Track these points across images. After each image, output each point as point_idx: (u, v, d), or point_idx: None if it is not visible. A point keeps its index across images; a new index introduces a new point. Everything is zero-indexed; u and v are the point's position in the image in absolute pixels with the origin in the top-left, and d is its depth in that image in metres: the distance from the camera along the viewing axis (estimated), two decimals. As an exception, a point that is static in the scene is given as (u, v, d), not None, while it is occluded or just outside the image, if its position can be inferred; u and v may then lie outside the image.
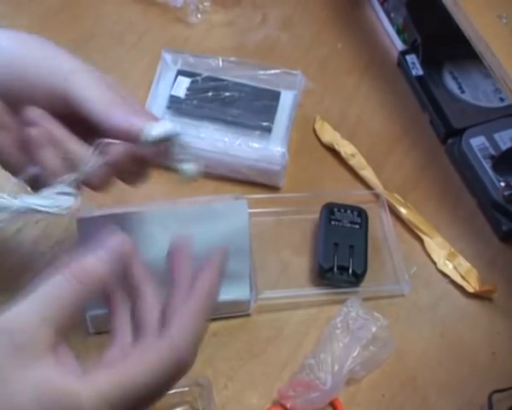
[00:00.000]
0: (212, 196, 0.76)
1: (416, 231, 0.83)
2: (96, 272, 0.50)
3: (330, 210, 0.81)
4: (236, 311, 0.76)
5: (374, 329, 0.74)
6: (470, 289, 0.79)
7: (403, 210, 0.84)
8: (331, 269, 0.77)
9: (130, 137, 0.58)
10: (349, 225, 0.80)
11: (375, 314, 0.75)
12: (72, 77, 0.60)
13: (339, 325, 0.74)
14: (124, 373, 0.49)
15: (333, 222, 0.80)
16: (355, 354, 0.73)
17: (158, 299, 0.54)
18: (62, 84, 0.59)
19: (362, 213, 0.81)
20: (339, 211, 0.81)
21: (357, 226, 0.80)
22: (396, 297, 0.79)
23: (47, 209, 0.55)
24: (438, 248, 0.82)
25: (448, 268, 0.81)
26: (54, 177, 0.56)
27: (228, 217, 0.73)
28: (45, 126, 0.57)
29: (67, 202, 0.56)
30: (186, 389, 0.70)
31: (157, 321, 0.53)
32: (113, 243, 0.52)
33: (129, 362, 0.50)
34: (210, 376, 0.71)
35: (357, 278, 0.78)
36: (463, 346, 0.77)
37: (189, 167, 0.62)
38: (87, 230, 0.71)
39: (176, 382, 0.52)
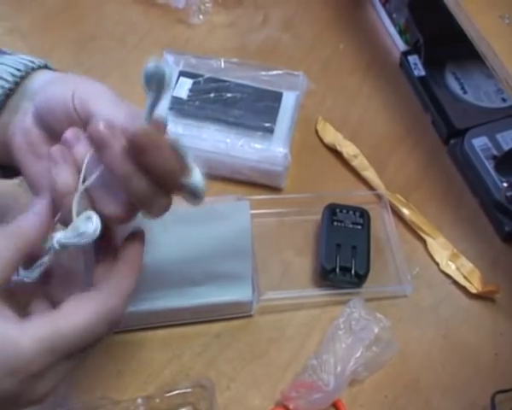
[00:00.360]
0: (214, 198, 0.76)
1: (419, 231, 0.83)
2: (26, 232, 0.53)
3: (332, 211, 0.81)
4: (239, 312, 0.76)
5: (376, 330, 0.74)
6: (473, 290, 0.79)
7: (405, 211, 0.84)
8: (333, 270, 0.77)
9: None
10: (351, 225, 0.80)
11: (378, 315, 0.75)
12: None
13: (341, 326, 0.74)
14: (60, 319, 0.51)
15: (335, 223, 0.80)
16: (358, 354, 0.72)
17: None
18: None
19: (364, 214, 0.81)
20: (341, 212, 0.81)
21: (360, 227, 0.80)
22: (398, 298, 0.79)
23: (74, 241, 0.54)
24: (440, 248, 0.82)
25: (451, 269, 0.81)
26: (65, 196, 0.55)
27: (230, 218, 0.73)
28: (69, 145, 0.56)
29: (91, 226, 0.55)
30: (189, 390, 0.70)
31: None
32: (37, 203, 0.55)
33: (64, 309, 0.52)
34: (212, 377, 0.72)
35: (360, 279, 0.78)
36: (466, 347, 0.76)
37: (197, 180, 0.55)
38: None
39: (106, 335, 0.54)
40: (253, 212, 0.75)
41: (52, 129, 0.57)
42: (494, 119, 0.90)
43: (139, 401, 0.69)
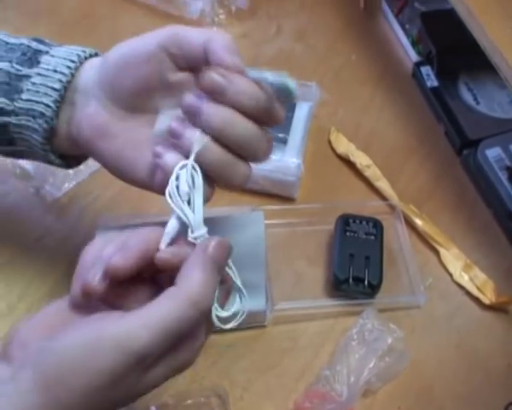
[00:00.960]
0: (229, 208, 0.77)
1: (432, 242, 0.83)
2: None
3: (345, 221, 0.81)
4: (252, 322, 0.76)
5: (390, 340, 0.74)
6: (486, 301, 0.79)
7: (418, 221, 0.84)
8: (346, 280, 0.77)
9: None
10: (364, 236, 0.80)
11: (391, 326, 0.75)
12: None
13: (355, 337, 0.74)
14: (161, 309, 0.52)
15: (348, 233, 0.80)
16: (371, 365, 0.72)
17: None
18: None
19: (377, 225, 0.81)
20: (354, 222, 0.81)
21: (373, 237, 0.80)
22: (412, 309, 0.79)
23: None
24: (454, 259, 0.82)
25: (464, 280, 0.81)
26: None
27: (244, 228, 0.74)
28: None
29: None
30: (203, 399, 0.70)
31: None
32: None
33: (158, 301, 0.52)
34: (226, 387, 0.72)
35: (373, 290, 0.78)
36: (479, 357, 0.76)
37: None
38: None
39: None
40: (266, 222, 0.76)
41: (129, 89, 0.61)
42: (508, 129, 0.90)
43: (153, 408, 0.70)
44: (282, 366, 0.75)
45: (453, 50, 0.95)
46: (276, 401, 0.73)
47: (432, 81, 0.96)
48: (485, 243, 0.85)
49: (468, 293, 0.80)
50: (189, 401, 0.71)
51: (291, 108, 0.88)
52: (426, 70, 0.97)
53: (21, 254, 0.80)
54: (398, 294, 0.80)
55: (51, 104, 0.63)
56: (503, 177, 0.85)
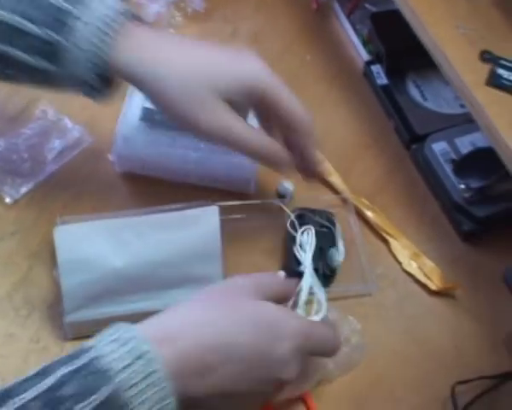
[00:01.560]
0: (184, 204, 0.79)
1: (382, 233, 0.86)
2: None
3: (300, 215, 0.84)
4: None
5: (346, 332, 0.77)
6: (433, 287, 0.83)
7: (369, 213, 0.87)
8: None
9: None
10: (318, 228, 0.83)
11: (349, 318, 0.78)
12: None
13: None
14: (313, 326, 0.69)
15: (303, 226, 0.83)
16: None
17: None
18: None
19: (330, 218, 0.84)
20: (308, 216, 0.84)
21: (326, 230, 0.83)
22: (363, 297, 0.82)
23: None
24: (402, 249, 0.85)
25: (412, 268, 0.84)
26: None
27: (199, 223, 0.76)
28: None
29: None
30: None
31: None
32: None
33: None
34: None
35: (327, 279, 0.81)
36: (428, 342, 0.80)
37: None
38: (65, 239, 0.74)
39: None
40: (223, 217, 0.78)
41: None
42: (453, 124, 0.93)
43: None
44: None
45: (402, 50, 0.97)
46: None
47: (382, 79, 0.99)
48: (435, 234, 0.88)
49: (417, 281, 0.84)
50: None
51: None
52: (376, 69, 1.00)
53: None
54: (351, 283, 0.83)
55: None
56: (449, 169, 0.88)
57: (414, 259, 0.85)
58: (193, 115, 0.71)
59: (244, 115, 0.76)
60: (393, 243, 0.86)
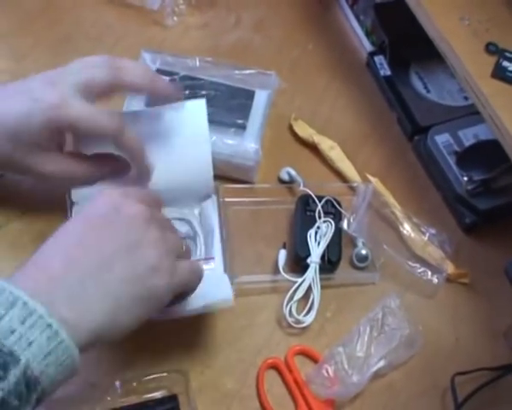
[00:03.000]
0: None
1: (392, 219, 0.86)
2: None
3: (305, 201, 0.84)
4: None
5: (407, 332, 0.77)
6: (444, 275, 0.82)
7: (384, 197, 0.87)
8: (307, 257, 0.80)
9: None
10: (323, 215, 0.83)
11: (411, 317, 0.78)
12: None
13: (373, 321, 0.77)
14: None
15: (308, 213, 0.83)
16: (384, 353, 0.75)
17: None
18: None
19: (335, 204, 0.84)
20: (313, 202, 0.84)
21: (332, 216, 0.83)
22: (366, 285, 0.83)
23: None
24: (411, 236, 0.85)
25: (426, 254, 0.84)
26: None
27: (187, 115, 0.78)
28: None
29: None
30: (164, 374, 0.73)
31: None
32: None
33: None
34: (188, 363, 0.74)
35: (333, 266, 0.81)
36: (429, 333, 0.79)
37: None
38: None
39: None
40: (228, 200, 0.78)
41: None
42: (456, 116, 0.93)
43: (117, 384, 0.72)
44: (242, 341, 0.77)
45: (405, 40, 0.97)
46: (236, 374, 0.75)
47: (385, 70, 0.99)
48: (436, 225, 0.87)
49: (424, 269, 0.83)
50: (152, 377, 0.73)
51: (250, 96, 0.91)
52: (379, 59, 1.00)
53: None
54: (356, 270, 0.83)
55: None
56: (452, 161, 0.89)
57: (423, 247, 0.84)
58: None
59: None
60: (402, 230, 0.85)
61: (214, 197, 0.80)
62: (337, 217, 0.84)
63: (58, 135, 0.74)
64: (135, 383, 0.72)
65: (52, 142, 0.74)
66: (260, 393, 0.74)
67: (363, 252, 0.83)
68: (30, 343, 0.53)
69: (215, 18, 1.05)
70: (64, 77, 0.72)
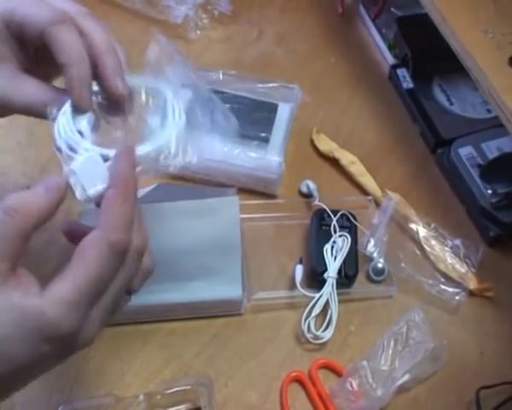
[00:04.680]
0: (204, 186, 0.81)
1: (414, 234, 0.86)
2: (33, 205, 0.53)
3: (320, 216, 0.84)
4: (229, 310, 0.79)
5: (432, 346, 0.76)
6: (470, 287, 0.82)
7: (406, 211, 0.87)
8: (324, 272, 0.80)
9: None
10: (339, 229, 0.83)
11: (436, 332, 0.77)
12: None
13: (398, 335, 0.76)
14: (72, 273, 0.52)
15: (323, 227, 0.83)
16: (409, 367, 0.75)
17: None
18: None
19: (351, 218, 0.84)
20: (329, 216, 0.84)
21: (347, 230, 0.83)
22: (386, 298, 0.82)
23: None
24: (434, 250, 0.85)
25: (448, 268, 0.83)
26: None
27: (219, 213, 0.76)
28: None
29: None
30: (188, 387, 0.73)
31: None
32: (48, 181, 0.55)
33: (73, 263, 0.53)
34: (211, 375, 0.74)
35: (349, 280, 0.81)
36: (453, 346, 0.79)
37: None
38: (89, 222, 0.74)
39: (125, 266, 0.55)
40: (247, 216, 0.78)
41: None
42: (479, 129, 0.93)
43: (141, 397, 0.72)
44: (265, 354, 0.78)
45: (428, 53, 0.98)
46: (260, 388, 0.75)
47: (407, 83, 0.99)
48: (459, 238, 0.86)
49: (447, 282, 0.83)
50: (176, 389, 0.73)
51: (273, 109, 0.91)
52: (402, 72, 1.00)
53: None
54: (374, 284, 0.83)
55: None
56: (475, 174, 0.88)
57: (446, 259, 0.84)
58: None
59: None
60: (424, 241, 0.85)
61: (238, 213, 0.79)
62: (353, 231, 0.83)
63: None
64: (159, 397, 0.72)
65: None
66: (284, 407, 0.74)
67: (380, 265, 0.83)
68: None
69: (238, 32, 1.06)
70: None
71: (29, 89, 0.63)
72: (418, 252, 0.85)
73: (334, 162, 0.93)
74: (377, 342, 0.76)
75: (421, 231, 0.86)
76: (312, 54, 1.05)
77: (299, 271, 0.81)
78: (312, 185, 0.89)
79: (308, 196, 0.89)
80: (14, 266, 0.52)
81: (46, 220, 0.54)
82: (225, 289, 0.77)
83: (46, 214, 0.54)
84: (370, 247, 0.83)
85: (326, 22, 1.09)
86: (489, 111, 0.95)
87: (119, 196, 0.55)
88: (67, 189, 0.56)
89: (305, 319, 0.78)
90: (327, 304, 0.79)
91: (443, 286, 0.83)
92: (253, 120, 0.90)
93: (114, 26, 1.02)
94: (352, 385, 0.73)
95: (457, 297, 0.82)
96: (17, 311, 0.51)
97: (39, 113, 0.62)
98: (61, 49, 0.61)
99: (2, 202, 0.52)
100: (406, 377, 0.75)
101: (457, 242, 0.85)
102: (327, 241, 0.82)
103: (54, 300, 0.51)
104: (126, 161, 0.57)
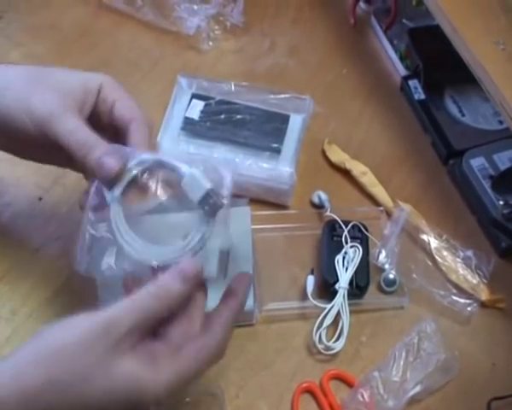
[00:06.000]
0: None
1: (425, 244, 0.86)
2: (174, 293, 0.59)
3: (332, 227, 0.84)
4: (240, 321, 0.77)
5: (443, 357, 0.76)
6: (482, 298, 0.82)
7: (417, 222, 0.87)
8: (335, 283, 0.80)
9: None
10: (350, 240, 0.83)
11: (448, 343, 0.77)
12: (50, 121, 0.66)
13: (410, 345, 0.77)
14: (183, 363, 0.59)
15: (335, 238, 0.84)
16: (420, 378, 0.75)
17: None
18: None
19: (362, 229, 0.84)
20: (340, 227, 0.84)
21: (359, 241, 0.83)
22: (398, 309, 0.82)
23: None
24: (445, 261, 0.85)
25: (459, 279, 0.83)
26: None
27: (231, 222, 0.76)
28: None
29: None
30: (200, 397, 0.73)
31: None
32: (187, 267, 0.61)
33: (186, 356, 0.59)
34: (222, 386, 0.75)
35: (361, 291, 0.81)
36: (464, 357, 0.79)
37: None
38: None
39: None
40: (259, 227, 0.78)
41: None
42: (491, 140, 0.93)
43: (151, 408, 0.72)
44: (276, 365, 0.78)
45: (439, 65, 0.97)
46: (271, 399, 0.75)
47: (419, 94, 0.99)
48: (471, 249, 0.87)
49: (459, 293, 0.83)
50: (187, 400, 0.73)
51: (285, 120, 0.92)
52: (413, 83, 1.00)
53: (24, 260, 0.82)
54: (386, 294, 0.83)
55: None
56: (487, 185, 0.88)
57: (457, 270, 0.84)
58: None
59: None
60: (435, 252, 0.85)
61: (249, 223, 0.79)
62: (364, 242, 0.83)
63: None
64: (170, 407, 0.72)
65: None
66: (295, 417, 0.74)
67: (391, 276, 0.83)
68: None
69: (250, 43, 1.07)
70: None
71: (78, 127, 0.67)
72: (430, 263, 0.85)
73: (345, 173, 0.93)
74: (388, 353, 0.76)
75: (433, 242, 0.86)
76: (324, 65, 1.05)
77: (311, 281, 0.81)
78: (324, 196, 0.89)
79: (319, 206, 0.89)
80: (140, 340, 0.58)
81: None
82: None
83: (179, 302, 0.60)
84: (382, 258, 0.84)
85: (338, 33, 1.09)
86: (501, 122, 0.95)
87: None
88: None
89: (317, 330, 0.78)
90: (338, 315, 0.79)
91: (454, 297, 0.82)
92: (265, 130, 0.90)
93: (127, 37, 1.05)
94: (363, 396, 0.73)
95: (469, 308, 0.82)
96: (132, 380, 0.57)
97: (79, 155, 0.66)
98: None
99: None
100: (418, 389, 0.75)
101: (469, 253, 0.85)
102: (338, 252, 0.82)
103: (161, 381, 0.57)
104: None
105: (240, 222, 0.77)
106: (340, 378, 0.77)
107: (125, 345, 0.57)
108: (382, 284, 0.83)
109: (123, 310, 0.58)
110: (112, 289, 0.73)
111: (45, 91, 0.67)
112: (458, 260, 0.85)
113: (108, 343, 0.56)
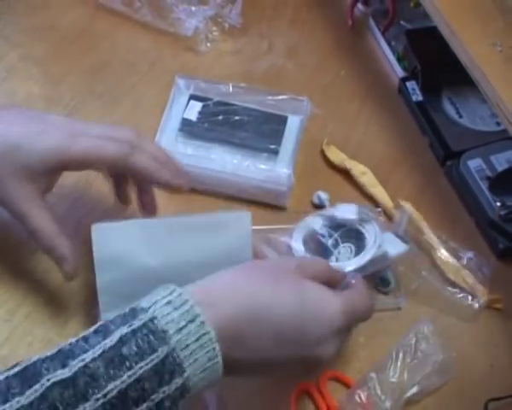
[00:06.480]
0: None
1: (425, 244, 0.86)
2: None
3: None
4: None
5: (441, 358, 0.76)
6: (481, 299, 0.82)
7: (417, 222, 0.87)
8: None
9: None
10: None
11: (445, 343, 0.77)
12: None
13: (407, 347, 0.76)
14: (353, 296, 0.71)
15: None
16: (418, 379, 0.75)
17: None
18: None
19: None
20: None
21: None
22: (395, 310, 0.82)
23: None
24: (445, 261, 0.85)
25: (459, 279, 0.83)
26: None
27: (231, 228, 0.76)
28: None
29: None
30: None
31: None
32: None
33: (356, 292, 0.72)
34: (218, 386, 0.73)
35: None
36: (462, 358, 0.79)
37: None
38: (102, 236, 0.75)
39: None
40: (257, 228, 0.78)
41: None
42: (488, 141, 0.93)
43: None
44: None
45: (437, 66, 0.98)
46: (268, 400, 0.75)
47: (417, 96, 0.99)
48: (468, 250, 0.86)
49: (457, 293, 0.83)
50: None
51: (282, 122, 0.92)
52: (411, 85, 1.00)
53: (22, 260, 0.82)
54: (386, 294, 0.83)
55: None
56: (484, 186, 0.88)
57: (456, 271, 0.84)
58: None
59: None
60: (436, 254, 0.85)
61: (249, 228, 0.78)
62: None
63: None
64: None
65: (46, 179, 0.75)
66: (292, 418, 0.74)
67: (386, 276, 0.83)
68: (195, 360, 0.57)
69: (248, 44, 1.07)
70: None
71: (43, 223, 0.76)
72: (428, 263, 0.85)
73: (344, 173, 0.93)
74: (386, 354, 0.76)
75: (432, 243, 0.86)
76: (322, 66, 1.05)
77: None
78: (324, 196, 0.89)
79: (320, 207, 0.89)
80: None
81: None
82: None
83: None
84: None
85: (336, 35, 1.09)
86: (498, 124, 0.95)
87: None
88: None
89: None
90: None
91: (453, 298, 0.82)
92: (263, 132, 0.90)
93: (125, 37, 1.05)
94: (360, 397, 0.73)
95: (477, 304, 0.82)
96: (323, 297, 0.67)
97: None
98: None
99: None
100: (415, 390, 0.75)
101: (468, 254, 0.85)
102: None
103: (340, 302, 0.68)
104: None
105: (240, 227, 0.76)
106: (337, 379, 0.77)
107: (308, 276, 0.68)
108: (378, 283, 0.83)
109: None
110: (112, 292, 0.74)
111: (15, 182, 0.73)
112: (457, 261, 0.85)
113: (297, 273, 0.67)
